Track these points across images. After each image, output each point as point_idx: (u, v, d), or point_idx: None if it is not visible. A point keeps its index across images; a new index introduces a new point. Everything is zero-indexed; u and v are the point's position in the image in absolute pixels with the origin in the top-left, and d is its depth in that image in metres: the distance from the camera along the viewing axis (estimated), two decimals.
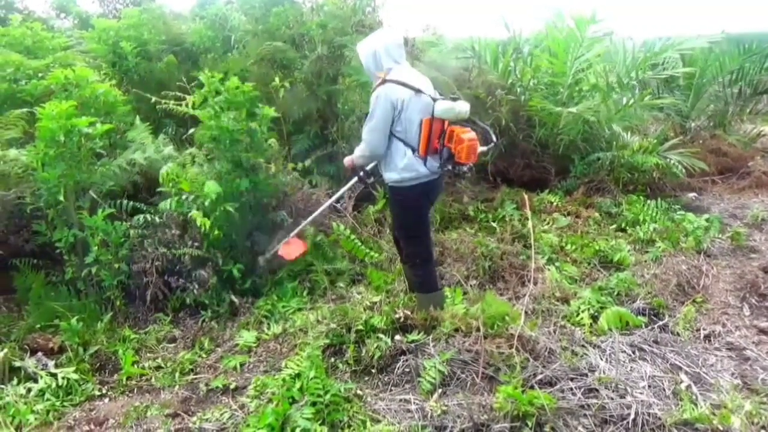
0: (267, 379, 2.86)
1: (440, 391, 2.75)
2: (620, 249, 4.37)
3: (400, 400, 2.72)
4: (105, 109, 4.45)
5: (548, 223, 4.96)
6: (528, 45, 6.80)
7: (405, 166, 3.08)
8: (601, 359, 2.95)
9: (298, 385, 2.66)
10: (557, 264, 4.18)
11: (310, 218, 3.95)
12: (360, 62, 3.24)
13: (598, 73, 6.09)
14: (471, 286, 3.82)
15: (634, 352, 3.05)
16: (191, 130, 4.98)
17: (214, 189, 3.68)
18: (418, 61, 5.94)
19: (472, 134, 3.01)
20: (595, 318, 3.40)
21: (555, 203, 5.32)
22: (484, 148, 3.35)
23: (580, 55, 5.82)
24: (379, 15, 6.03)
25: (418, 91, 3.01)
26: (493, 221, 4.99)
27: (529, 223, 4.43)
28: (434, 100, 3.02)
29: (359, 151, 3.22)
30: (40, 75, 4.60)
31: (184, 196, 3.81)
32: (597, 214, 5.15)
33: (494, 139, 3.37)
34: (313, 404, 2.53)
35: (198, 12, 6.69)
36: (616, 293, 3.68)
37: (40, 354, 3.11)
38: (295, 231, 3.93)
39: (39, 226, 3.80)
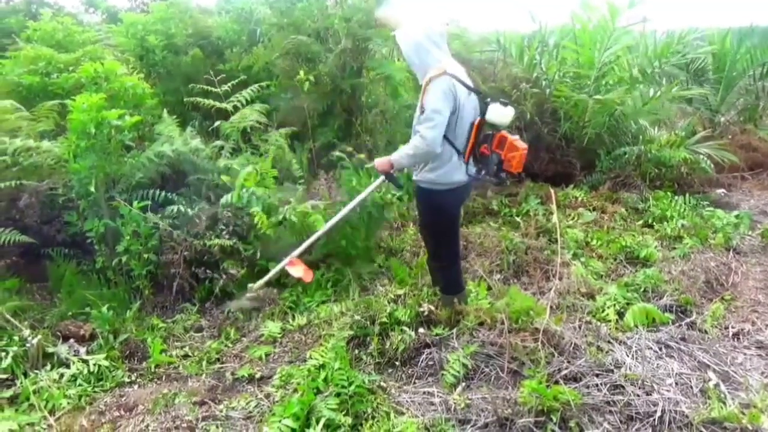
0: (292, 369, 2.90)
1: (464, 384, 2.76)
2: (647, 245, 4.31)
3: (424, 393, 2.73)
4: (134, 101, 4.53)
5: (573, 218, 4.92)
6: (554, 37, 6.72)
7: (446, 169, 2.92)
8: (627, 356, 2.92)
9: (322, 375, 2.68)
10: (582, 259, 4.14)
11: (317, 234, 3.47)
12: (403, 52, 2.98)
13: (622, 65, 5.99)
14: (495, 280, 3.81)
15: (660, 349, 3.02)
16: (217, 123, 5.05)
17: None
18: None
19: (524, 143, 2.88)
20: (620, 314, 3.36)
21: (580, 198, 5.26)
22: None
23: (609, 46, 5.72)
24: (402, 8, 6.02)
25: (471, 90, 2.87)
26: (517, 216, 4.97)
27: (554, 217, 4.39)
28: (485, 102, 2.85)
29: (410, 149, 2.87)
30: (70, 68, 4.69)
31: (244, 191, 3.85)
32: (623, 210, 5.09)
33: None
34: (338, 395, 2.55)
35: (224, 6, 6.74)
36: (642, 289, 3.64)
37: (72, 341, 3.18)
38: (300, 249, 3.46)
39: (70, 216, 3.88)
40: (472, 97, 2.90)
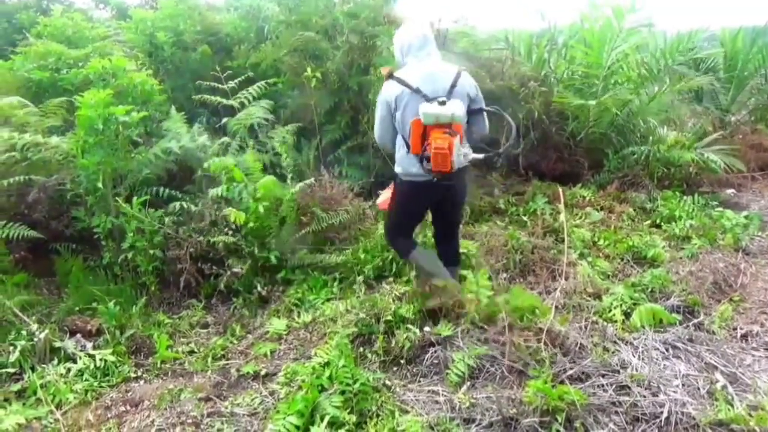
0: (297, 366, 2.90)
1: (469, 383, 2.75)
2: (655, 245, 4.28)
3: (429, 392, 2.72)
4: (142, 98, 4.55)
5: (581, 218, 4.88)
6: (562, 36, 6.68)
7: (400, 161, 3.17)
8: (634, 356, 2.90)
9: (327, 373, 2.68)
10: (589, 259, 4.12)
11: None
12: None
13: (631, 64, 5.95)
14: (502, 279, 3.79)
15: (667, 350, 3.00)
16: (224, 119, 5.07)
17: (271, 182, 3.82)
18: (449, 53, 5.92)
19: (445, 141, 2.83)
20: (627, 314, 3.34)
21: (588, 198, 5.23)
22: (479, 156, 3.13)
23: (617, 46, 5.68)
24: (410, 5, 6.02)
25: (415, 90, 2.95)
26: (524, 215, 4.94)
27: (561, 217, 4.37)
28: (428, 101, 2.90)
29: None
30: (80, 64, 4.72)
31: (234, 185, 3.86)
32: (631, 210, 5.05)
33: (512, 136, 3.20)
34: (342, 393, 2.55)
35: (232, 3, 6.74)
36: (649, 290, 3.61)
37: (78, 335, 3.20)
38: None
39: (78, 212, 3.91)
40: (416, 98, 2.96)
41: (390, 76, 3.04)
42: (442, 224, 3.57)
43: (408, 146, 3.07)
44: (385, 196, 3.68)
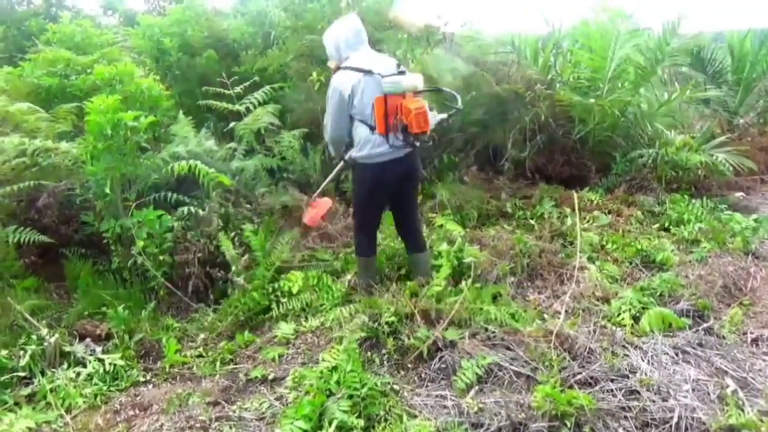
0: (305, 371, 2.90)
1: (477, 388, 2.74)
2: (663, 249, 4.25)
3: (437, 396, 2.72)
4: (149, 103, 4.59)
5: (588, 221, 4.86)
6: (567, 40, 6.68)
7: (362, 146, 3.26)
8: (643, 361, 2.89)
9: (335, 377, 2.68)
10: (597, 263, 4.10)
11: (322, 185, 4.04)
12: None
13: (633, 65, 5.93)
14: (509, 283, 3.78)
15: (677, 355, 2.98)
16: (231, 124, 5.09)
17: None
18: (455, 56, 5.94)
19: (420, 103, 3.12)
20: (636, 318, 3.32)
21: (595, 201, 5.21)
22: (444, 115, 3.44)
23: (619, 47, 5.66)
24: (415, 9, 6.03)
25: (368, 72, 3.16)
26: (532, 218, 4.93)
27: (569, 220, 4.36)
28: (381, 77, 3.13)
29: (327, 139, 3.48)
30: (88, 70, 4.76)
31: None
32: (639, 213, 5.03)
33: (459, 105, 3.46)
34: (350, 397, 2.55)
35: (239, 8, 6.78)
36: (658, 294, 3.58)
37: (88, 340, 3.22)
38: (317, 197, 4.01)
39: (87, 216, 3.93)
40: (374, 78, 3.16)
41: (337, 69, 3.26)
42: (403, 208, 3.67)
43: (371, 128, 3.22)
44: (313, 212, 3.91)
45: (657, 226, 4.88)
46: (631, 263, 4.16)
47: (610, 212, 5.03)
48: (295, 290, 3.66)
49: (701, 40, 7.22)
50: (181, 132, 4.55)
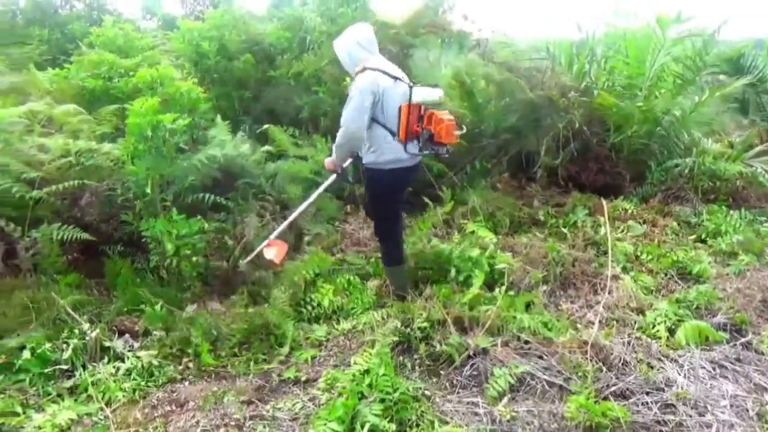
0: (337, 373, 2.93)
1: (509, 396, 2.73)
2: (700, 260, 4.17)
3: (468, 403, 2.72)
4: (188, 106, 4.69)
5: (622, 231, 4.79)
6: (602, 46, 6.60)
7: (385, 150, 3.30)
8: (679, 374, 2.85)
9: (367, 381, 2.70)
10: (632, 273, 4.04)
11: (287, 220, 4.05)
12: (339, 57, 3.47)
13: (672, 74, 5.84)
14: (542, 292, 3.76)
15: (714, 369, 2.93)
16: (265, 126, 5.17)
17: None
18: (490, 62, 5.93)
19: (451, 116, 3.23)
20: (672, 331, 3.27)
21: (630, 210, 5.12)
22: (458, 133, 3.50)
23: (661, 56, 5.57)
24: (449, 16, 6.06)
25: (396, 78, 3.27)
26: (564, 227, 4.88)
27: (603, 229, 4.31)
28: (410, 87, 3.24)
29: (337, 140, 3.36)
30: (130, 73, 4.89)
31: None
32: (675, 224, 4.93)
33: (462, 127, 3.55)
34: (382, 401, 2.57)
35: (275, 13, 6.89)
36: (695, 306, 3.52)
37: (127, 336, 3.31)
38: (275, 233, 3.98)
39: (127, 216, 4.04)
40: (400, 85, 3.28)
41: (363, 69, 3.27)
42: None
43: (393, 133, 3.27)
44: (275, 250, 3.82)
45: (693, 237, 4.79)
46: (666, 274, 4.10)
47: (644, 222, 4.95)
48: (325, 302, 3.69)
49: (742, 47, 7.07)
50: (219, 134, 4.64)
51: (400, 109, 3.24)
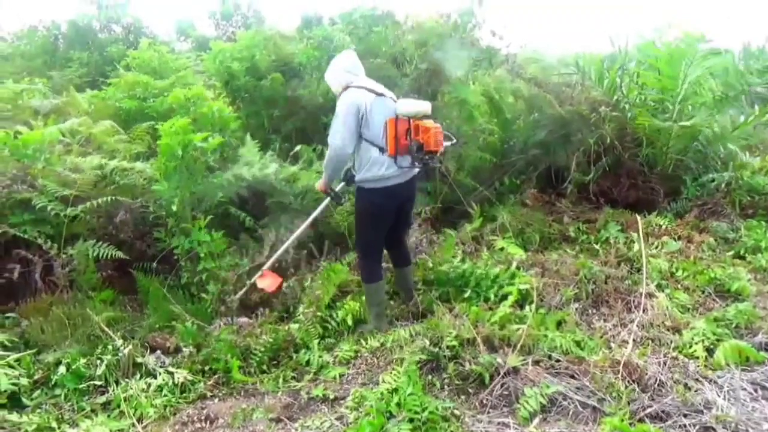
0: (365, 391, 2.91)
1: (540, 417, 2.68)
2: (739, 277, 4.03)
3: (498, 423, 2.67)
4: (219, 124, 4.79)
5: (657, 247, 4.67)
6: (632, 60, 6.51)
7: (370, 167, 3.32)
8: (719, 396, 2.74)
9: (395, 399, 2.68)
10: (667, 291, 3.93)
11: (283, 248, 4.04)
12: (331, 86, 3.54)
13: (705, 88, 5.72)
14: (573, 309, 3.68)
15: (756, 391, 2.82)
16: (297, 147, 5.23)
17: None
18: (518, 77, 5.91)
19: (436, 124, 3.29)
20: (710, 351, 3.16)
21: (664, 226, 5.01)
22: (448, 143, 3.53)
23: (692, 70, 5.47)
24: (477, 31, 6.05)
25: (380, 94, 3.34)
26: (596, 243, 4.80)
27: (636, 246, 4.21)
28: (395, 101, 3.35)
29: (326, 161, 3.44)
30: (165, 93, 5.03)
31: None
32: (712, 239, 4.80)
33: (452, 138, 3.65)
34: (411, 420, 2.55)
35: (305, 33, 6.98)
36: (734, 325, 3.41)
37: (158, 352, 3.35)
38: (269, 263, 4.02)
39: (159, 233, 4.12)
40: (384, 100, 3.35)
41: (346, 88, 3.37)
42: (401, 227, 3.76)
43: (381, 149, 3.29)
44: (269, 280, 3.87)
45: (731, 253, 4.64)
46: (703, 292, 3.97)
47: (680, 238, 4.83)
48: (350, 321, 3.68)
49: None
50: (248, 153, 4.72)
51: (386, 123, 3.28)
